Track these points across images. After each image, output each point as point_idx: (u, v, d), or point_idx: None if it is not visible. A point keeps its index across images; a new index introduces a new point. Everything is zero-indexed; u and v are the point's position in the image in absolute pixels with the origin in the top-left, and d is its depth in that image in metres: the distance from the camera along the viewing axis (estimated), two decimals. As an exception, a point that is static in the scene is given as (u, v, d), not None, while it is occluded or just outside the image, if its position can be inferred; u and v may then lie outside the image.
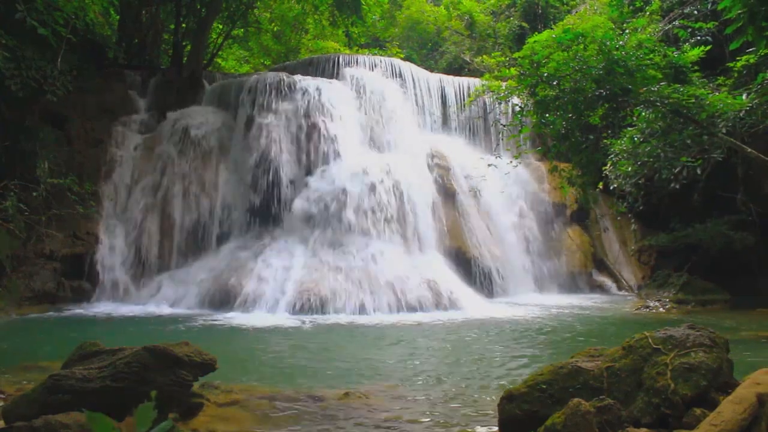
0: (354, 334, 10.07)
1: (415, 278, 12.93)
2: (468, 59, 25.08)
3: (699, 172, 11.62)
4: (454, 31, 26.80)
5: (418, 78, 18.73)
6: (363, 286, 12.48)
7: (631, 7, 16.20)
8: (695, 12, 14.52)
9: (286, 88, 16.06)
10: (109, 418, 1.76)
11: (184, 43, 19.23)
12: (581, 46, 10.65)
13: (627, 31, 11.32)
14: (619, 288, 16.44)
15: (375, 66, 18.24)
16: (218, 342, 8.95)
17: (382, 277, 12.74)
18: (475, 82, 18.71)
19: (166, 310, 12.44)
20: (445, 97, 19.01)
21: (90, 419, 1.73)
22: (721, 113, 10.26)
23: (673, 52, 11.36)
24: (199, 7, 18.94)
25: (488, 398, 5.58)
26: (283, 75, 16.47)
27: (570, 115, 11.06)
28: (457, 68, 24.62)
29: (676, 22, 14.50)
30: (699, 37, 13.53)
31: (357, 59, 18.54)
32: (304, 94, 15.87)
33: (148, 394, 4.22)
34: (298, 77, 16.58)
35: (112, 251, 14.02)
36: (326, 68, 18.25)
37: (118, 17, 19.43)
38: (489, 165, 13.92)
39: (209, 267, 13.57)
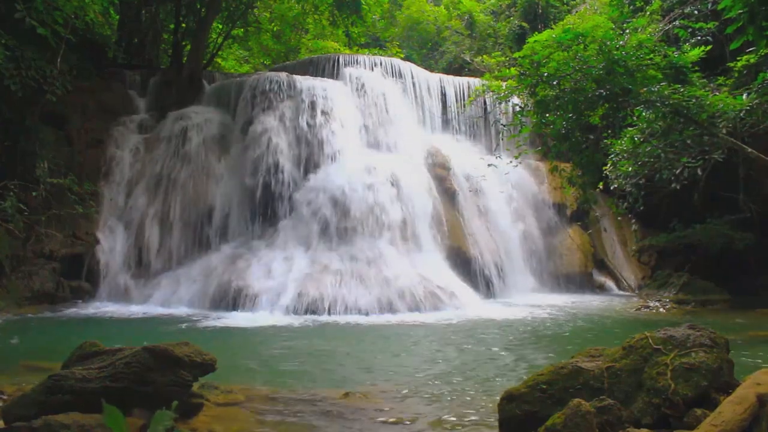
0: (354, 334, 10.06)
1: (414, 278, 12.92)
2: (468, 59, 25.08)
3: (699, 172, 11.59)
4: (454, 31, 26.81)
5: (418, 78, 18.71)
6: (363, 287, 12.46)
7: (631, 7, 16.17)
8: (695, 12, 14.50)
9: (285, 88, 16.05)
10: (122, 415, 1.77)
11: (183, 43, 19.22)
12: (581, 46, 10.63)
13: (627, 31, 11.29)
14: (620, 288, 16.44)
15: (375, 66, 18.22)
16: (218, 342, 8.95)
17: (381, 277, 12.72)
18: (475, 82, 18.69)
19: (165, 310, 12.41)
20: (445, 97, 19.00)
21: (106, 412, 1.74)
22: (722, 113, 10.25)
23: (673, 52, 11.35)
24: (199, 7, 18.92)
25: (488, 398, 5.57)
26: (283, 75, 16.45)
27: (570, 115, 11.04)
28: (457, 68, 24.62)
29: (677, 22, 14.48)
30: (699, 37, 13.51)
31: (357, 59, 18.51)
32: (303, 94, 15.86)
33: (148, 394, 4.24)
34: (297, 77, 16.56)
35: (111, 251, 14.02)
36: (326, 68, 18.22)
37: (118, 17, 19.43)
38: (489, 165, 13.89)
39: (209, 267, 13.55)
